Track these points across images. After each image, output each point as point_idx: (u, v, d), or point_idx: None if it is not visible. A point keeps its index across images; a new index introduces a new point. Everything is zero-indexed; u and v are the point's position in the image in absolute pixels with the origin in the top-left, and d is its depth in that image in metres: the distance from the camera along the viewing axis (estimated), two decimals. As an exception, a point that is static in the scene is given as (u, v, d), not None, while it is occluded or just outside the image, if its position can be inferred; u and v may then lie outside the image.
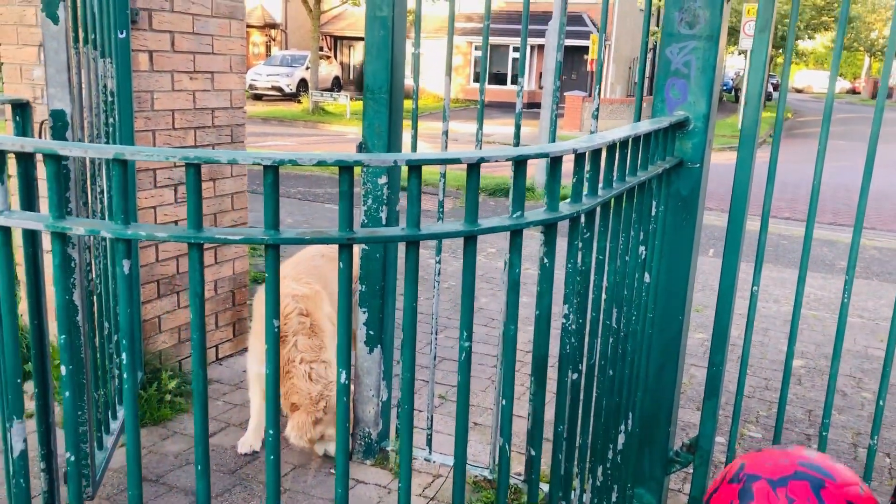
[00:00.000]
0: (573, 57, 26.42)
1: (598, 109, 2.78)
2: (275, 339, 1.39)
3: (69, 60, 2.49)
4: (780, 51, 32.51)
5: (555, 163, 1.57)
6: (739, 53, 41.70)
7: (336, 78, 32.16)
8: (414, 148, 3.14)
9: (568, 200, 1.70)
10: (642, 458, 2.82)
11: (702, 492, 2.87)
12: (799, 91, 57.69)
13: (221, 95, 4.15)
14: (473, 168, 1.44)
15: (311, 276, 3.52)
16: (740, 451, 3.15)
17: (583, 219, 1.75)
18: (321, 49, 28.27)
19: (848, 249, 2.51)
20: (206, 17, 3.96)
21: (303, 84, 28.18)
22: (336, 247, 1.41)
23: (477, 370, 4.46)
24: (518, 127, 2.88)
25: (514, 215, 1.52)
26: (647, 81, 34.95)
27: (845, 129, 26.17)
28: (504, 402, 1.61)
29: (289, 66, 29.21)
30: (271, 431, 1.43)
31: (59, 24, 2.44)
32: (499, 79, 31.60)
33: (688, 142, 2.59)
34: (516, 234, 1.52)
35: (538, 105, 29.96)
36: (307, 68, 27.35)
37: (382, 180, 3.05)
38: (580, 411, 2.01)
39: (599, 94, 2.78)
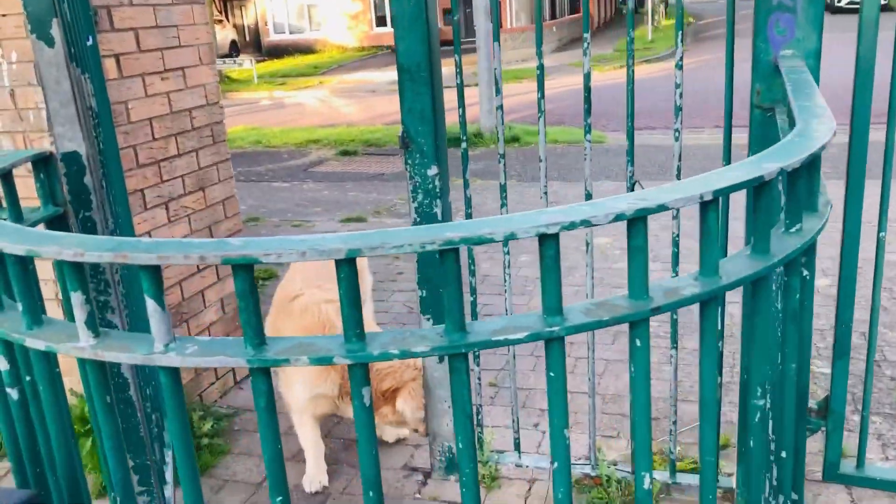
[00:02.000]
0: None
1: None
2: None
3: (74, 89, 2.02)
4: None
5: (796, 174, 1.26)
6: (634, -36, 41.55)
7: (233, 42, 30.61)
8: (463, 132, 2.76)
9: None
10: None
11: (839, 455, 2.68)
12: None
13: (196, 92, 3.63)
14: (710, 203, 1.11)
15: (327, 280, 3.14)
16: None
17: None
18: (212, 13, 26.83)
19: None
20: (168, 5, 3.42)
21: (199, 53, 26.71)
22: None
23: (522, 348, 4.10)
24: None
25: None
26: (568, 3, 33.71)
27: (745, 27, 26.42)
28: (784, 455, 1.32)
29: (181, 36, 27.58)
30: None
31: (55, 46, 1.95)
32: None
33: (800, 85, 2.29)
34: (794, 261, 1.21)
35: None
36: (202, 36, 25.88)
37: (432, 171, 2.68)
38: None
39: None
